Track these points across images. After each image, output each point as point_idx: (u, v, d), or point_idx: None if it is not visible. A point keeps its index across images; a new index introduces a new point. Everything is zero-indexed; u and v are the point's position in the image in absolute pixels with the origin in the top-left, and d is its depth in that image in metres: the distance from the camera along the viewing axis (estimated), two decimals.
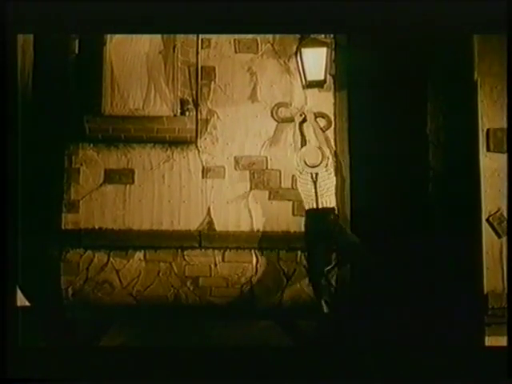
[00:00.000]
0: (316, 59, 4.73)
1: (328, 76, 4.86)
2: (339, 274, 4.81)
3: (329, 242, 4.66)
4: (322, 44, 4.74)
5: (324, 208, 4.57)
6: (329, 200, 4.58)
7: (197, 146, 4.95)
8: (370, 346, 3.67)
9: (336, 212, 4.66)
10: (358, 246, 4.61)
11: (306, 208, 4.64)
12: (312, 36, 4.75)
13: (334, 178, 4.66)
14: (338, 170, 4.86)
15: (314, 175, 4.59)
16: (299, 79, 4.93)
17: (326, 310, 4.58)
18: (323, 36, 4.84)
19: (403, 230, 4.64)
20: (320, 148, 4.67)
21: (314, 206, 4.57)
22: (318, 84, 4.86)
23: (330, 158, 4.68)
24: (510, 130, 3.77)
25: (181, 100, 4.89)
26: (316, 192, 4.57)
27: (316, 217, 4.60)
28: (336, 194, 4.82)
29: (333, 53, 4.90)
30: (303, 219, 4.75)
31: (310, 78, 4.79)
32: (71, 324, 4.46)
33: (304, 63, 4.76)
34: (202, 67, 4.99)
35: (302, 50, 4.75)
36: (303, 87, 4.94)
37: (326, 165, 4.61)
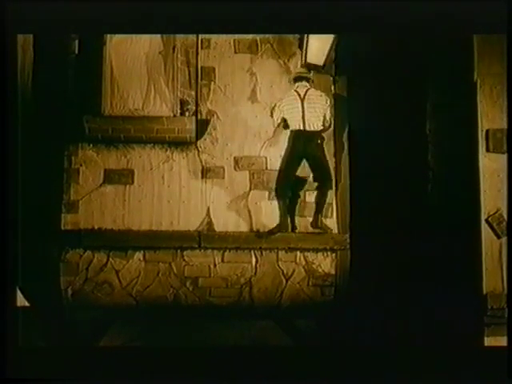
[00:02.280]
0: (320, 44, 4.75)
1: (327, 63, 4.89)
2: (339, 277, 4.83)
3: (309, 162, 4.76)
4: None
5: (311, 131, 4.62)
6: (316, 122, 4.62)
7: (196, 147, 4.96)
8: (370, 345, 3.68)
9: (321, 136, 4.71)
10: (329, 174, 4.81)
11: (292, 128, 4.69)
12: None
13: (325, 98, 4.71)
14: (337, 170, 4.88)
15: (301, 94, 4.62)
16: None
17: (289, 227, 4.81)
18: None
19: (402, 229, 4.64)
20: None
21: (301, 127, 4.62)
22: (316, 68, 4.88)
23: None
24: (509, 131, 3.78)
25: (181, 100, 4.89)
26: (303, 110, 4.58)
27: (302, 138, 4.64)
28: (336, 194, 4.85)
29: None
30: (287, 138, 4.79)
31: (309, 60, 4.81)
32: (71, 324, 4.46)
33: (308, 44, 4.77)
34: (201, 67, 5.00)
35: None
36: (301, 65, 4.96)
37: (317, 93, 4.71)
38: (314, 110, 4.63)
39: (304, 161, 4.75)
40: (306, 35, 4.75)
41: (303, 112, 4.60)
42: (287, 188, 4.78)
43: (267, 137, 4.98)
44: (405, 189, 4.71)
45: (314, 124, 4.63)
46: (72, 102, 4.85)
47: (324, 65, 4.83)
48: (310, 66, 4.86)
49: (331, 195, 4.86)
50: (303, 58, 4.87)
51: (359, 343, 3.93)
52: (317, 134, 4.67)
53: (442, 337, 3.95)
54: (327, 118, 4.72)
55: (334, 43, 4.75)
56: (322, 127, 4.69)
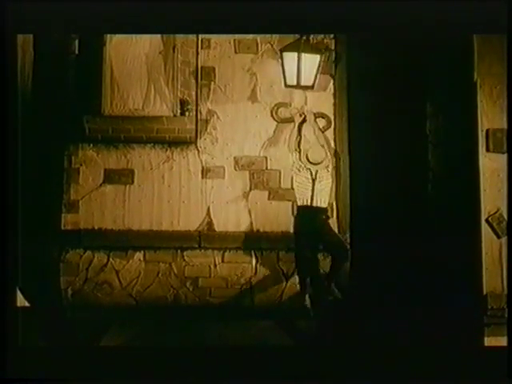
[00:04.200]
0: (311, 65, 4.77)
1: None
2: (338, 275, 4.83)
3: (317, 240, 4.71)
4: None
5: (317, 207, 4.58)
6: (323, 199, 4.60)
7: (196, 147, 4.95)
8: (370, 345, 3.67)
9: (328, 213, 4.68)
10: (342, 246, 4.73)
11: (299, 204, 4.65)
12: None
13: (331, 178, 4.67)
14: (337, 171, 4.88)
15: (313, 173, 4.59)
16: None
17: (309, 304, 4.64)
18: (323, 36, 4.87)
19: (403, 229, 4.64)
20: (323, 146, 4.69)
21: (309, 204, 4.58)
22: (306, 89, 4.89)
23: (331, 158, 4.70)
24: (509, 131, 3.77)
25: (181, 100, 4.89)
26: (313, 190, 4.56)
27: (309, 215, 4.60)
28: (336, 194, 4.85)
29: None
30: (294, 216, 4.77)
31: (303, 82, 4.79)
32: (71, 324, 4.46)
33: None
34: (201, 67, 4.99)
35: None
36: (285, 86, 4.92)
37: (327, 165, 4.63)
38: (323, 188, 4.64)
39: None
40: (297, 59, 4.72)
41: (313, 191, 4.61)
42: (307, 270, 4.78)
43: (267, 137, 4.97)
44: (405, 189, 4.71)
45: (322, 200, 4.63)
46: (72, 102, 4.86)
47: (313, 85, 4.83)
48: (301, 88, 4.84)
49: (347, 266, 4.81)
50: (296, 80, 4.78)
51: (359, 343, 3.93)
52: (323, 210, 4.66)
53: (442, 337, 3.95)
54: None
55: (320, 63, 4.77)
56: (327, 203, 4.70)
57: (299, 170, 4.65)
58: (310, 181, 4.59)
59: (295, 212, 4.76)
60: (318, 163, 4.61)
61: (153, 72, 4.91)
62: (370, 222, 4.75)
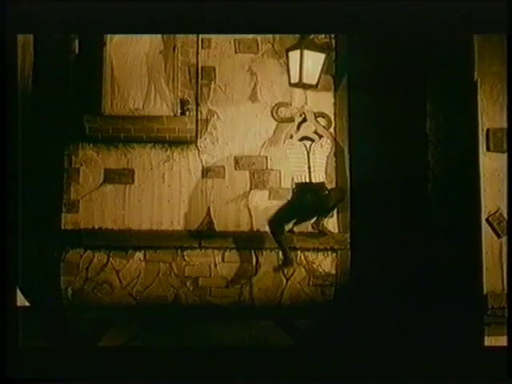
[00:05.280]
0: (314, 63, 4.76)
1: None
2: (339, 277, 4.83)
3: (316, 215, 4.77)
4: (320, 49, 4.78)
5: (317, 183, 4.58)
6: (320, 175, 4.60)
7: (197, 146, 4.95)
8: (370, 345, 3.68)
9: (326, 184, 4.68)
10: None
11: (296, 181, 4.66)
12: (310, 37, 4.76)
13: (327, 153, 4.69)
14: (337, 170, 4.89)
15: (308, 146, 4.60)
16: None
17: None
18: (323, 36, 4.86)
19: (402, 229, 4.63)
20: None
21: (307, 180, 4.59)
22: (309, 87, 4.87)
23: (328, 138, 4.73)
24: (510, 130, 3.78)
25: (181, 100, 4.89)
26: (309, 164, 4.56)
27: (308, 191, 4.61)
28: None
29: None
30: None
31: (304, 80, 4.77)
32: (71, 324, 4.46)
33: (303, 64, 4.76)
34: (202, 67, 4.98)
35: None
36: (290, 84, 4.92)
37: (321, 142, 4.67)
38: (319, 162, 4.63)
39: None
40: (299, 56, 4.70)
41: (309, 164, 4.59)
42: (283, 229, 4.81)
43: (268, 136, 4.96)
44: (405, 189, 4.71)
45: (320, 175, 4.61)
46: (72, 102, 4.84)
47: (317, 84, 4.82)
48: (304, 86, 4.83)
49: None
50: (298, 78, 4.76)
51: (359, 343, 3.93)
52: (322, 185, 4.64)
53: (442, 337, 3.95)
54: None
55: (325, 62, 4.77)
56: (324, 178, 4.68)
57: (293, 144, 4.66)
58: (305, 153, 4.59)
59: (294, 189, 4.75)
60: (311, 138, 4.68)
61: (153, 72, 4.91)
62: (370, 221, 4.75)
